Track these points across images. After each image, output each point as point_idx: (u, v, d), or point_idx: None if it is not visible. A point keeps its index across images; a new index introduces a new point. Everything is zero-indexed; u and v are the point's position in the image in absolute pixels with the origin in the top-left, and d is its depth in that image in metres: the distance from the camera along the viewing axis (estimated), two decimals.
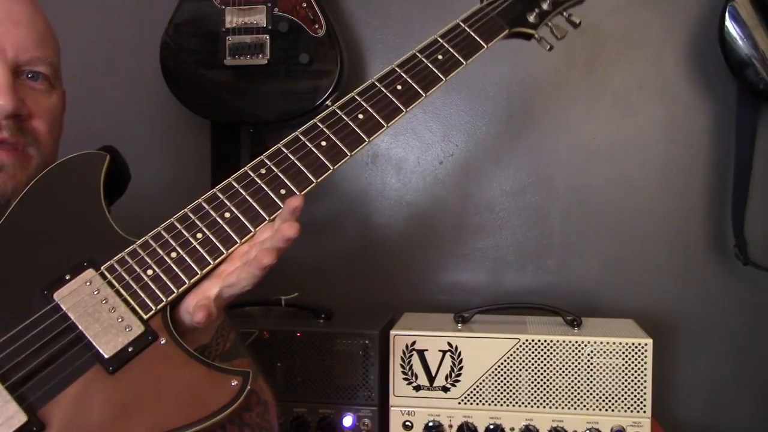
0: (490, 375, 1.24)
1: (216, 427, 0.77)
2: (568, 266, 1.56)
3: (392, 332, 1.27)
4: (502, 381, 1.24)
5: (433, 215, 1.60)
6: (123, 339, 0.78)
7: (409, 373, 1.26)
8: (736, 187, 1.48)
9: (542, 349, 1.23)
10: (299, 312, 1.42)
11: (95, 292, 0.80)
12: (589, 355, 1.22)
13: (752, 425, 1.52)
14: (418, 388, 1.26)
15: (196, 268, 0.81)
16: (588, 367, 1.22)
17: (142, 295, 0.80)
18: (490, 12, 1.01)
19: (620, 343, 1.21)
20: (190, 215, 0.83)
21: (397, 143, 1.61)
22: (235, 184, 0.85)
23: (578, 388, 1.22)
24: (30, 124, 0.90)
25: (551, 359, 1.23)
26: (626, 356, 1.21)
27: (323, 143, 0.88)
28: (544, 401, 1.23)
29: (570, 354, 1.22)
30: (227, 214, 0.83)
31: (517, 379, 1.23)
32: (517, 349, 1.23)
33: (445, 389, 1.25)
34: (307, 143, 0.88)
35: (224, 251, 0.82)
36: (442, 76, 0.95)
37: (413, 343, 1.26)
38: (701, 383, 1.53)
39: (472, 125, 1.59)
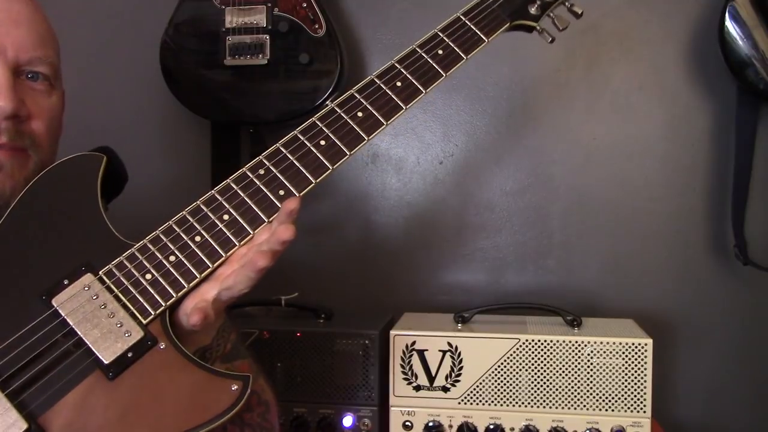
0: (490, 375, 1.24)
1: (217, 429, 0.76)
2: (568, 266, 1.56)
3: (392, 332, 1.27)
4: (502, 381, 1.24)
5: (433, 215, 1.60)
6: (122, 344, 0.78)
7: (409, 373, 1.26)
8: (736, 187, 1.47)
9: (542, 349, 1.23)
10: (299, 312, 1.43)
11: (94, 297, 0.80)
12: (589, 355, 1.22)
13: (752, 425, 1.52)
14: (418, 388, 1.26)
15: (195, 272, 0.81)
16: (588, 367, 1.22)
17: (141, 300, 0.80)
18: (491, 5, 0.99)
19: (620, 343, 1.21)
20: (189, 218, 0.83)
21: (397, 143, 1.61)
22: (233, 186, 0.84)
23: (578, 388, 1.22)
24: (29, 125, 0.89)
25: (551, 359, 1.23)
26: (626, 356, 1.21)
27: (322, 142, 0.87)
28: (544, 401, 1.23)
29: (570, 354, 1.22)
30: (226, 217, 0.83)
31: (517, 379, 1.23)
32: (517, 349, 1.23)
33: (445, 389, 1.25)
34: (306, 143, 0.87)
35: (223, 254, 0.82)
36: (442, 72, 0.94)
37: (413, 343, 1.26)
38: (701, 383, 1.53)
39: (472, 125, 1.59)
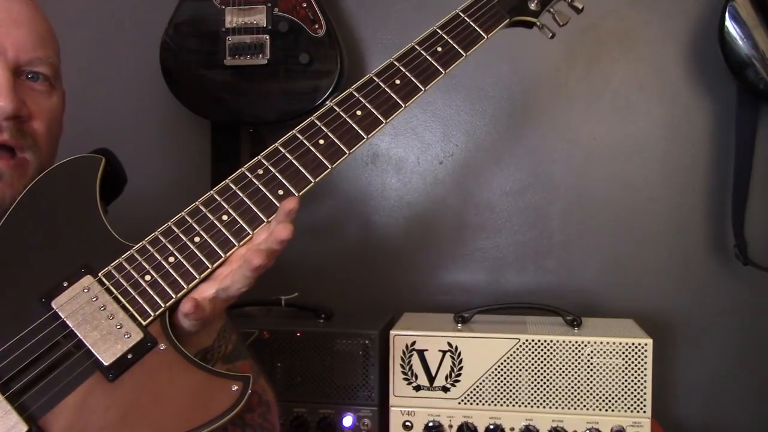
0: (490, 375, 1.24)
1: (218, 429, 0.76)
2: (568, 266, 1.56)
3: (392, 332, 1.27)
4: (502, 381, 1.24)
5: (433, 215, 1.60)
6: (122, 346, 0.78)
7: (409, 373, 1.26)
8: (736, 187, 1.47)
9: (542, 349, 1.23)
10: (299, 312, 1.43)
11: (93, 299, 0.80)
12: (589, 355, 1.22)
13: (752, 425, 1.52)
14: (418, 388, 1.26)
15: (194, 273, 0.81)
16: (588, 367, 1.22)
17: (141, 301, 0.80)
18: (491, 1, 0.98)
19: (620, 343, 1.21)
20: (188, 219, 0.83)
21: (397, 143, 1.61)
22: (232, 186, 0.84)
23: (578, 388, 1.22)
24: (30, 125, 0.89)
25: (551, 359, 1.23)
26: (626, 356, 1.21)
27: (321, 141, 0.87)
28: (544, 401, 1.23)
29: (570, 354, 1.22)
30: (225, 217, 0.83)
31: (517, 379, 1.23)
32: (517, 349, 1.23)
33: (445, 389, 1.25)
34: (305, 142, 0.86)
35: (222, 255, 0.81)
36: (441, 69, 0.93)
37: (413, 343, 1.26)
38: (701, 383, 1.53)
39: (472, 125, 1.59)
